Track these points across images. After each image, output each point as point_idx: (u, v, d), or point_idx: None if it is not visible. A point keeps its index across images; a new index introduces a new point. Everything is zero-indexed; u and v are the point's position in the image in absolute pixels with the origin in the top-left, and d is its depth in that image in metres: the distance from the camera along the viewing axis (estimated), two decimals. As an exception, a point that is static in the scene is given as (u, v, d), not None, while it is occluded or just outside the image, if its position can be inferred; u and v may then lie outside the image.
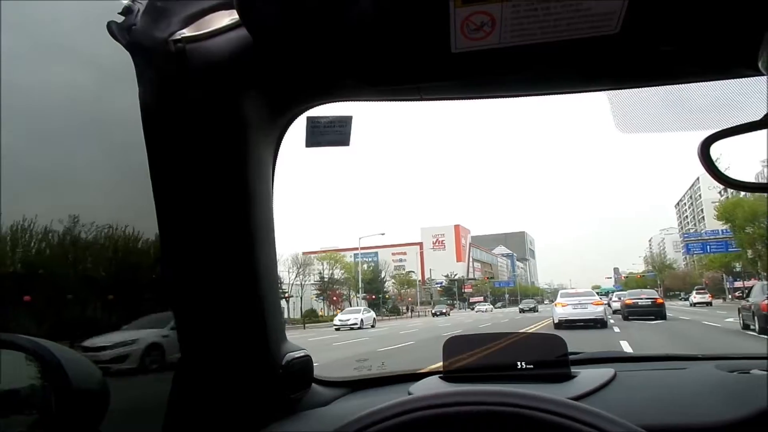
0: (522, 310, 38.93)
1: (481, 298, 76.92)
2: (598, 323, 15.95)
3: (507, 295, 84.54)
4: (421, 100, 0.95)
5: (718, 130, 0.81)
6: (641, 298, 20.36)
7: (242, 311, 0.96)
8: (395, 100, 0.98)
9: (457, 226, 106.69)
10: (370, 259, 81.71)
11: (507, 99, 0.98)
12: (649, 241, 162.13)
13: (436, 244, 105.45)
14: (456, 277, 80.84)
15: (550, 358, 1.13)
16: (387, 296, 57.86)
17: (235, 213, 0.93)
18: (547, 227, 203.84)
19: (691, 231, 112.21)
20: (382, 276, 63.40)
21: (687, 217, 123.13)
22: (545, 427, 0.47)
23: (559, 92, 0.95)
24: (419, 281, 77.17)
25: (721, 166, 0.81)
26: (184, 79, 0.85)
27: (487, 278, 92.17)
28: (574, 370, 1.13)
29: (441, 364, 1.19)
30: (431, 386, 1.16)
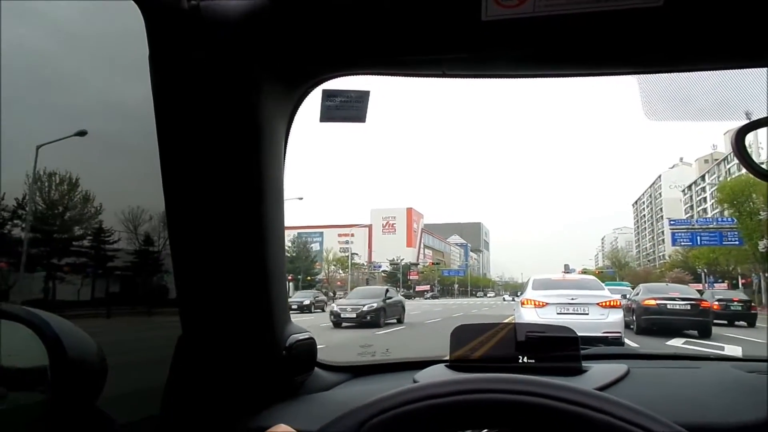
0: (338, 319, 14.25)
1: (427, 287, 70.98)
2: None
3: (456, 285, 79.08)
4: (444, 76, 0.91)
5: (754, 119, 0.79)
6: (673, 299, 11.50)
7: (247, 290, 0.93)
8: (416, 75, 0.93)
9: (409, 210, 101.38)
10: (312, 239, 75.01)
11: (526, 79, 0.94)
12: (602, 239, 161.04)
13: (386, 227, 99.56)
14: (402, 263, 74.71)
15: (560, 351, 1.10)
16: (309, 278, 50.27)
17: (244, 188, 0.89)
18: (502, 220, 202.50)
19: (648, 230, 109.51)
20: (312, 255, 55.88)
21: (645, 216, 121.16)
22: (566, 417, 0.45)
23: (591, 73, 0.89)
24: (364, 264, 70.46)
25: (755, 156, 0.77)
26: (196, 40, 0.80)
27: (432, 263, 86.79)
28: (585, 364, 1.10)
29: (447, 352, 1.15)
30: (437, 375, 1.12)
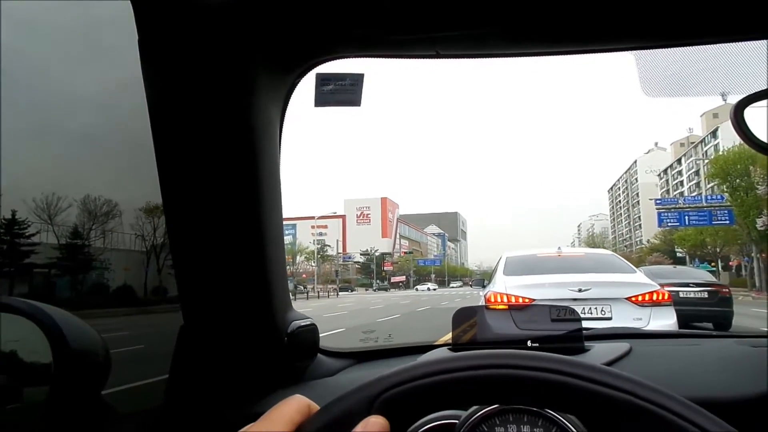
0: None
1: (403, 278, 69.10)
2: None
3: (433, 275, 77.41)
4: (438, 57, 0.90)
5: (753, 92, 0.78)
6: (687, 284, 8.83)
7: (247, 277, 0.93)
8: (410, 56, 0.93)
9: (384, 199, 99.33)
10: (285, 232, 72.83)
11: (524, 58, 0.92)
12: (578, 226, 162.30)
13: (361, 217, 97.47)
14: (377, 253, 72.69)
15: (563, 330, 1.10)
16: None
17: (240, 175, 0.88)
18: (480, 210, 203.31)
19: (624, 216, 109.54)
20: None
21: (620, 201, 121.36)
22: (579, 393, 0.44)
23: (589, 49, 0.88)
24: (337, 255, 68.26)
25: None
26: (186, 26, 0.79)
27: (404, 253, 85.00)
28: (587, 344, 1.09)
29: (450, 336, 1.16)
30: None
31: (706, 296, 8.90)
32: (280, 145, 0.97)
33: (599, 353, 1.04)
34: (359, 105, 0.97)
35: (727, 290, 9.51)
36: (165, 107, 0.83)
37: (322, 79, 0.96)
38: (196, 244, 0.89)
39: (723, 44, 0.83)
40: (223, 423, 0.90)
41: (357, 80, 0.96)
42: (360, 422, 0.41)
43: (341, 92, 0.97)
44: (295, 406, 0.42)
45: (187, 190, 0.87)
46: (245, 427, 0.40)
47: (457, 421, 0.69)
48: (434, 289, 56.60)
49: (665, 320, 4.39)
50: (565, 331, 1.08)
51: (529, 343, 1.08)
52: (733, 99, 0.80)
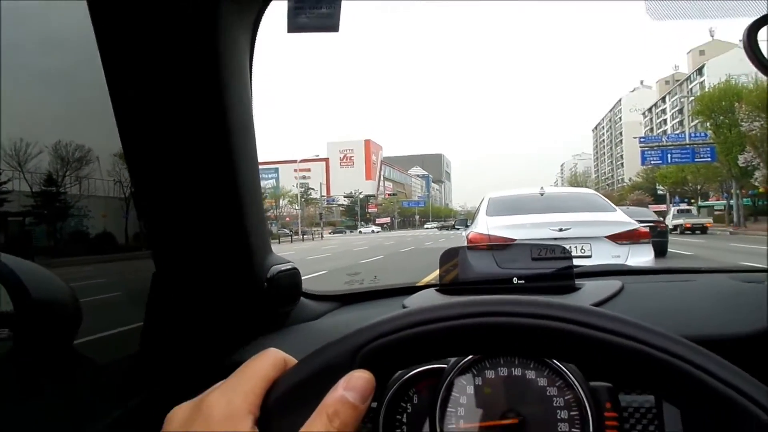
0: None
1: (387, 220, 69.56)
2: None
3: (417, 216, 78.03)
4: None
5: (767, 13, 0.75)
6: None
7: (222, 220, 0.88)
8: None
9: (367, 141, 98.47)
10: (268, 176, 72.32)
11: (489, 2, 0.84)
12: (561, 166, 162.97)
13: (344, 160, 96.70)
14: (361, 196, 72.69)
15: (552, 268, 1.07)
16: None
17: (207, 109, 0.81)
18: (464, 150, 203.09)
19: (607, 155, 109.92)
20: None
21: (604, 140, 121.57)
22: (566, 337, 0.42)
23: None
24: (320, 198, 68.23)
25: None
26: None
27: (388, 195, 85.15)
28: (578, 282, 1.07)
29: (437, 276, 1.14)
30: (427, 299, 1.11)
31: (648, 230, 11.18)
32: (251, 76, 0.89)
33: (590, 291, 1.01)
34: (337, 30, 0.88)
35: (664, 225, 13.07)
36: (116, 40, 0.75)
37: (295, 0, 0.86)
38: (166, 188, 0.83)
39: None
40: (201, 373, 0.86)
41: (333, 1, 0.87)
42: (343, 377, 0.37)
43: (317, 16, 0.87)
44: (270, 360, 0.39)
45: (151, 133, 0.81)
46: (216, 384, 0.37)
47: (446, 366, 0.67)
48: (377, 231, 61.74)
49: (643, 257, 4.62)
50: (555, 269, 1.05)
51: (515, 281, 1.05)
52: (746, 22, 0.75)
